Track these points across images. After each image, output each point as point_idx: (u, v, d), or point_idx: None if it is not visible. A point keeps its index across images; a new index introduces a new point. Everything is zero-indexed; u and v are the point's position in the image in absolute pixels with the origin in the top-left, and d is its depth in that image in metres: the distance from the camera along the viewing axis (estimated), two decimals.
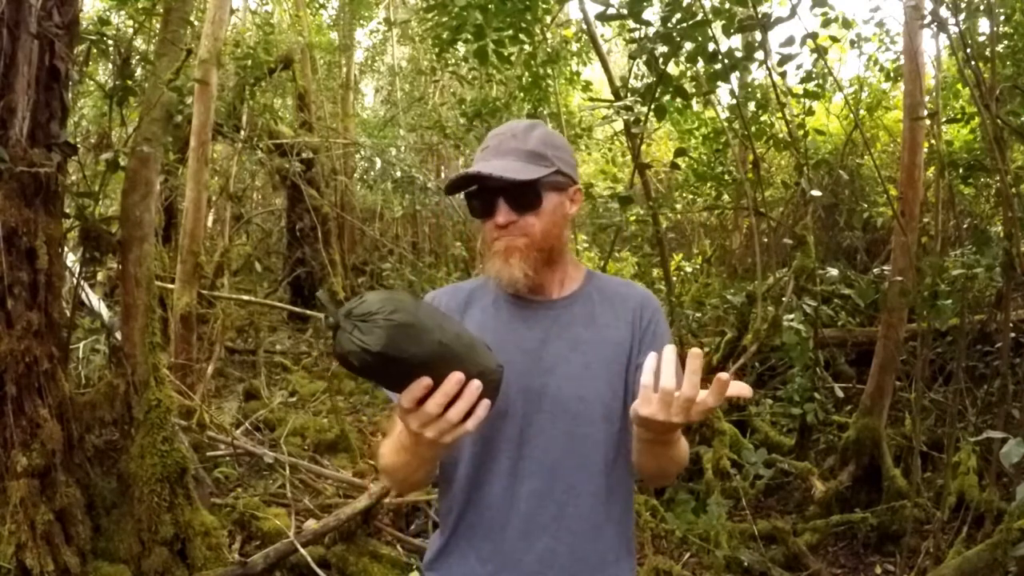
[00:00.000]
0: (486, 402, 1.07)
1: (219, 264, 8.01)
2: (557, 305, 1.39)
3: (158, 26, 3.74)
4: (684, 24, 3.67)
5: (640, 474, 1.37)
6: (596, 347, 1.36)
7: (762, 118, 5.60)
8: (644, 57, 3.83)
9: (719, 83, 4.05)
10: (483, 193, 1.30)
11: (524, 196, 1.29)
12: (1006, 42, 4.81)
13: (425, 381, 1.01)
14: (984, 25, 4.27)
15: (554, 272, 1.39)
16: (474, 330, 1.35)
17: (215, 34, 5.46)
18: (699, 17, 3.68)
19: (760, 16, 3.68)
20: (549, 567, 1.32)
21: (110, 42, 3.45)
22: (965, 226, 7.05)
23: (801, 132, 5.04)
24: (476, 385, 1.05)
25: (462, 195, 1.36)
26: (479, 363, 1.09)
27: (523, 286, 1.32)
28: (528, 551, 1.32)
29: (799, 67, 6.77)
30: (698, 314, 6.48)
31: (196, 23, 5.66)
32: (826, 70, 5.05)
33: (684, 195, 8.94)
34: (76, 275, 3.26)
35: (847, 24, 4.55)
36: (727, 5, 3.83)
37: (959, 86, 6.24)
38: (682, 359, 1.04)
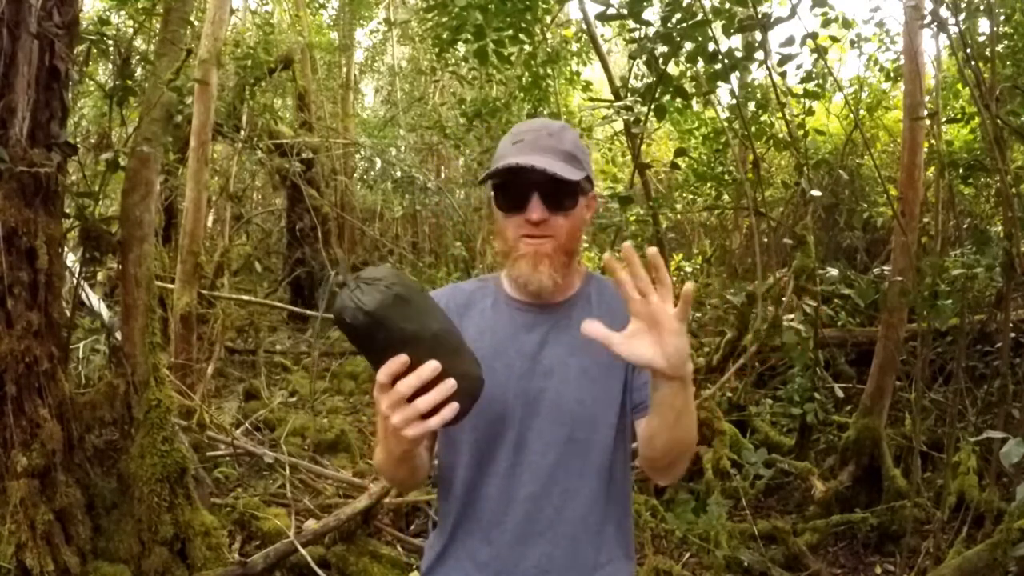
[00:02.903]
0: (455, 405, 1.04)
1: (219, 264, 8.00)
2: (557, 309, 1.37)
3: (158, 26, 3.74)
4: (684, 24, 3.67)
5: (654, 460, 1.26)
6: (594, 351, 1.34)
7: (762, 118, 5.59)
8: (644, 57, 3.83)
9: (719, 83, 4.04)
10: (516, 187, 1.26)
11: (562, 195, 1.26)
12: (1006, 42, 4.80)
13: (403, 357, 1.02)
14: (984, 25, 4.27)
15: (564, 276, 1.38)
16: (473, 333, 1.33)
17: (215, 34, 5.46)
18: (699, 17, 3.67)
19: (760, 16, 3.68)
20: (546, 571, 1.31)
21: (110, 42, 3.44)
22: (965, 226, 7.04)
23: (801, 132, 5.03)
24: (451, 383, 1.03)
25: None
26: (460, 366, 1.08)
27: (549, 293, 1.31)
28: (525, 555, 1.31)
29: (799, 67, 6.77)
30: (698, 314, 6.48)
31: (196, 23, 5.66)
32: (826, 70, 5.05)
33: (684, 195, 8.92)
34: (76, 275, 3.26)
35: (847, 24, 4.54)
36: (727, 5, 3.82)
37: (959, 86, 6.24)
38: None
